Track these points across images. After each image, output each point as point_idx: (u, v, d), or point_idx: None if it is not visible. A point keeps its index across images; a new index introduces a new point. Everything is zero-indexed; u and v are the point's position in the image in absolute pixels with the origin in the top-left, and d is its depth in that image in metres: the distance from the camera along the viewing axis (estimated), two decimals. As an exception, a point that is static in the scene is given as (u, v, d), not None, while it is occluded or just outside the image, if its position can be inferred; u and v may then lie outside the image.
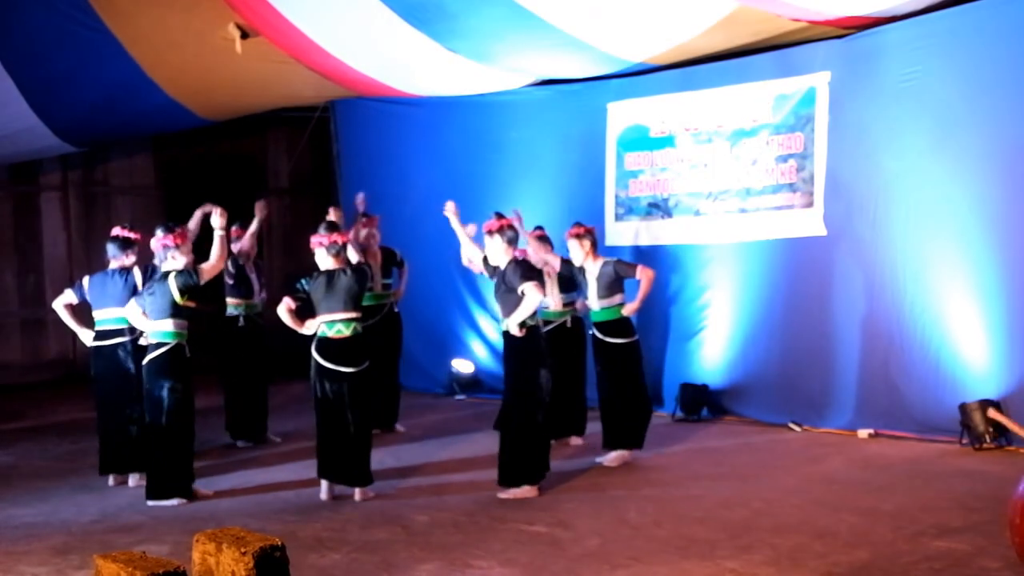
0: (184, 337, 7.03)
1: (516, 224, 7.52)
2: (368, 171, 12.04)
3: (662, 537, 5.86)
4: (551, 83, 10.61)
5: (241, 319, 8.89)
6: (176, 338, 6.99)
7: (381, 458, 7.68)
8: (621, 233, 10.15)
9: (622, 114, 10.17)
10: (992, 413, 7.65)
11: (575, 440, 8.49)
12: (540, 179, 10.72)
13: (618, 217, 10.21)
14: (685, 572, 5.25)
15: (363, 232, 8.90)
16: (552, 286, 8.23)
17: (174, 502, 6.97)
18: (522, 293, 6.83)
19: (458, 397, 11.03)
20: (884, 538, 5.68)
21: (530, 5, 8.20)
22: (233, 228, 8.95)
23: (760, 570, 5.21)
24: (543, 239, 8.16)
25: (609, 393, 7.82)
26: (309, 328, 6.93)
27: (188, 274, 7.00)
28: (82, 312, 7.81)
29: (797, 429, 8.85)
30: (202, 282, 7.03)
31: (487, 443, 8.75)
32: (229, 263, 8.72)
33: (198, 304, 7.50)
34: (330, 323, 6.90)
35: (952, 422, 7.89)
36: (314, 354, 6.93)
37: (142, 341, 7.31)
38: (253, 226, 8.86)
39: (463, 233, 7.59)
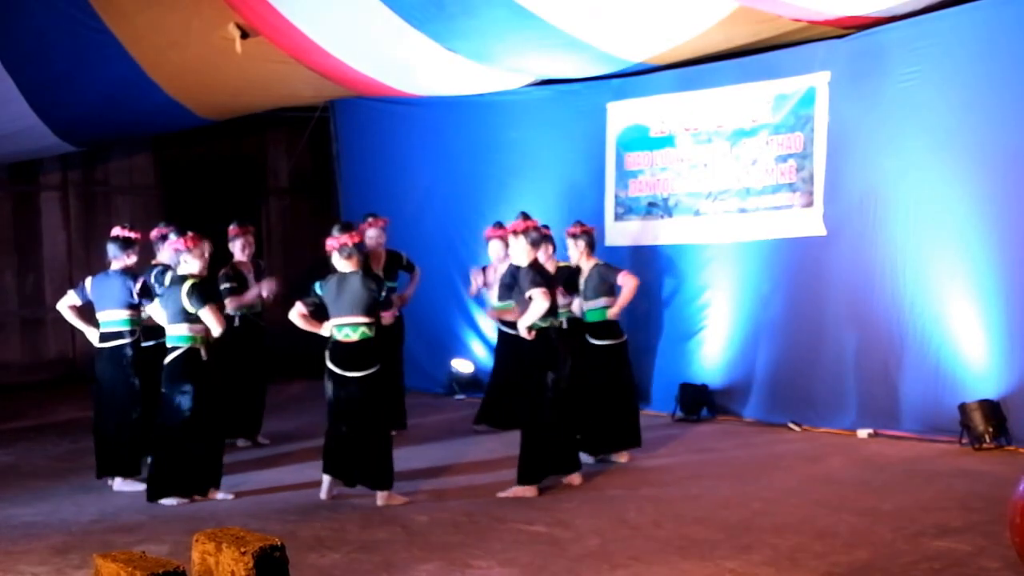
0: (199, 340, 7.00)
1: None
2: (368, 171, 12.05)
3: (662, 537, 5.86)
4: (551, 83, 10.61)
5: (237, 319, 8.87)
6: (190, 342, 6.97)
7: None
8: (621, 233, 10.16)
9: (622, 114, 10.17)
10: None
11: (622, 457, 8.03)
12: (540, 179, 10.73)
13: (618, 217, 10.21)
14: (685, 572, 5.25)
15: (371, 232, 8.88)
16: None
17: (169, 502, 6.95)
18: (529, 298, 6.98)
19: (458, 397, 11.04)
20: (884, 538, 5.68)
21: (530, 5, 8.20)
22: (231, 228, 8.95)
23: (760, 570, 5.21)
24: (547, 238, 8.09)
25: (593, 395, 7.78)
26: (326, 330, 6.93)
27: (199, 292, 6.94)
28: (88, 312, 7.78)
29: (797, 429, 8.85)
30: (204, 310, 6.92)
31: (487, 443, 8.77)
32: (228, 268, 8.73)
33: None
34: (339, 327, 6.88)
35: (952, 422, 7.89)
36: (326, 357, 6.93)
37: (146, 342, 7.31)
38: (251, 293, 8.79)
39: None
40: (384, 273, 9.01)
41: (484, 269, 9.48)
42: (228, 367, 9.06)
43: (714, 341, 9.63)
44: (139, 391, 7.53)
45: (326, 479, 6.99)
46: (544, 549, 5.71)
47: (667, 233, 9.89)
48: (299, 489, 7.29)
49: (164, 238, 8.09)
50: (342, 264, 6.98)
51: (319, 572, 5.42)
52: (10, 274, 12.96)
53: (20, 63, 9.69)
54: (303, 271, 13.91)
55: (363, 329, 6.86)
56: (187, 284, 6.95)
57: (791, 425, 8.91)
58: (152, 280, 7.70)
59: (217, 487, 7.13)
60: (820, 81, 8.83)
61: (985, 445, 7.68)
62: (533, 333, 7.03)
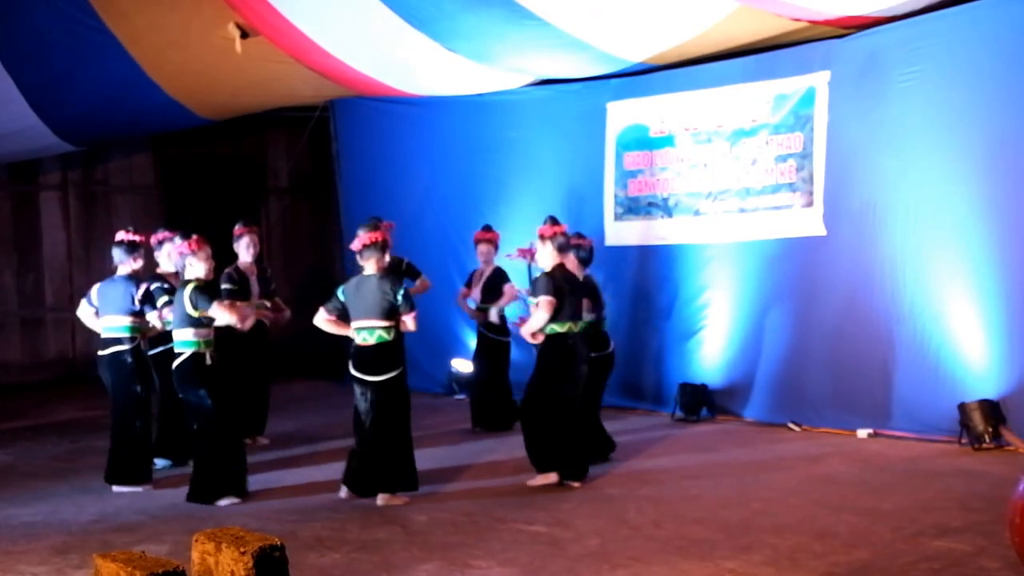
0: (203, 345, 6.96)
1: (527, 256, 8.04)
2: (367, 171, 12.04)
3: (661, 537, 5.86)
4: (551, 83, 10.61)
5: None
6: (194, 347, 6.96)
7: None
8: (620, 233, 10.15)
9: (622, 114, 10.17)
10: (1006, 434, 7.66)
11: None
12: (539, 179, 10.72)
13: (617, 217, 10.20)
14: (684, 572, 5.25)
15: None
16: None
17: (224, 502, 6.92)
18: (536, 305, 7.07)
19: (457, 397, 11.03)
20: (883, 538, 5.68)
21: (530, 5, 8.20)
22: (236, 227, 8.94)
23: (759, 570, 5.21)
24: (577, 246, 7.81)
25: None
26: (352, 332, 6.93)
27: (204, 292, 6.93)
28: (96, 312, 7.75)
29: (797, 429, 8.85)
30: (213, 307, 6.91)
31: (486, 443, 8.77)
32: (232, 269, 8.71)
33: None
34: (358, 330, 6.86)
35: (951, 422, 7.89)
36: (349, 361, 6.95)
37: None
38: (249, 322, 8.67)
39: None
40: None
41: (472, 274, 9.51)
42: (232, 368, 9.08)
43: (714, 341, 9.63)
44: (143, 398, 7.50)
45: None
46: (544, 549, 5.71)
47: (667, 233, 9.88)
48: (299, 489, 7.29)
49: (162, 243, 8.08)
50: (364, 265, 6.94)
51: (319, 572, 5.42)
52: (10, 274, 12.96)
53: (20, 63, 9.69)
54: (303, 271, 14.00)
55: (380, 333, 6.80)
56: (189, 287, 6.94)
57: (791, 425, 8.91)
58: (153, 289, 7.60)
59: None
60: (820, 81, 8.83)
61: (984, 445, 7.68)
62: (540, 336, 7.09)
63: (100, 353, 7.58)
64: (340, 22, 9.23)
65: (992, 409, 7.74)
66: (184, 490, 7.13)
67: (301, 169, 14.40)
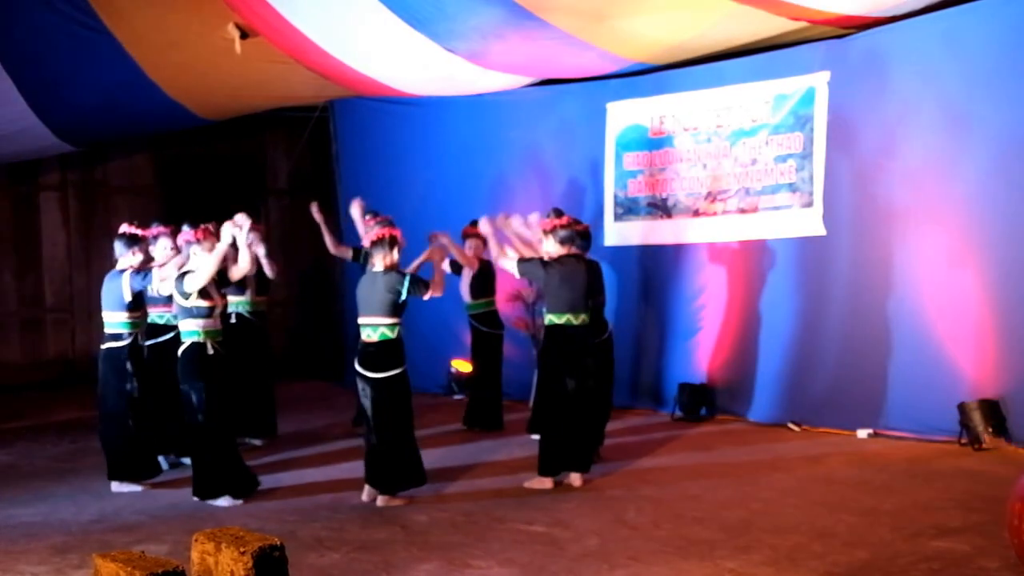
0: (203, 335, 6.93)
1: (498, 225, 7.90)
2: (367, 171, 12.04)
3: (661, 537, 5.86)
4: (551, 83, 10.61)
5: (233, 316, 8.86)
6: (194, 336, 6.93)
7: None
8: (620, 233, 10.16)
9: (621, 114, 10.17)
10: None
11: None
12: (539, 179, 10.73)
13: (617, 217, 10.21)
14: (684, 572, 5.25)
15: (362, 232, 8.86)
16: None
17: (222, 502, 6.90)
18: (511, 260, 7.31)
19: (457, 396, 11.03)
20: (883, 538, 5.68)
21: (530, 5, 8.20)
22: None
23: (759, 570, 5.21)
24: (581, 235, 7.79)
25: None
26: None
27: (180, 282, 6.93)
28: (95, 312, 7.72)
29: (796, 429, 8.85)
30: (193, 291, 6.88)
31: (486, 443, 8.76)
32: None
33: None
34: (363, 326, 6.88)
35: (951, 422, 7.89)
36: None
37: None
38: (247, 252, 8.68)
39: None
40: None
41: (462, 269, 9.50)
42: (233, 367, 9.07)
43: (714, 341, 9.63)
44: (134, 397, 7.46)
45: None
46: (543, 549, 5.71)
47: (667, 233, 9.88)
48: (299, 489, 7.30)
49: (156, 238, 8.08)
50: (374, 262, 6.92)
51: (318, 572, 5.42)
52: (9, 274, 12.96)
53: (20, 63, 9.68)
54: (302, 271, 13.99)
55: (383, 330, 6.79)
56: (184, 278, 6.94)
57: (791, 425, 8.91)
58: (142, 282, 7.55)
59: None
60: (820, 81, 8.83)
61: (984, 445, 7.68)
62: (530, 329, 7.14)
63: (102, 347, 7.59)
64: (340, 22, 9.23)
65: (992, 409, 7.74)
66: (184, 490, 7.13)
67: (301, 169, 14.39)
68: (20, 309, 13.04)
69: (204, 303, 6.93)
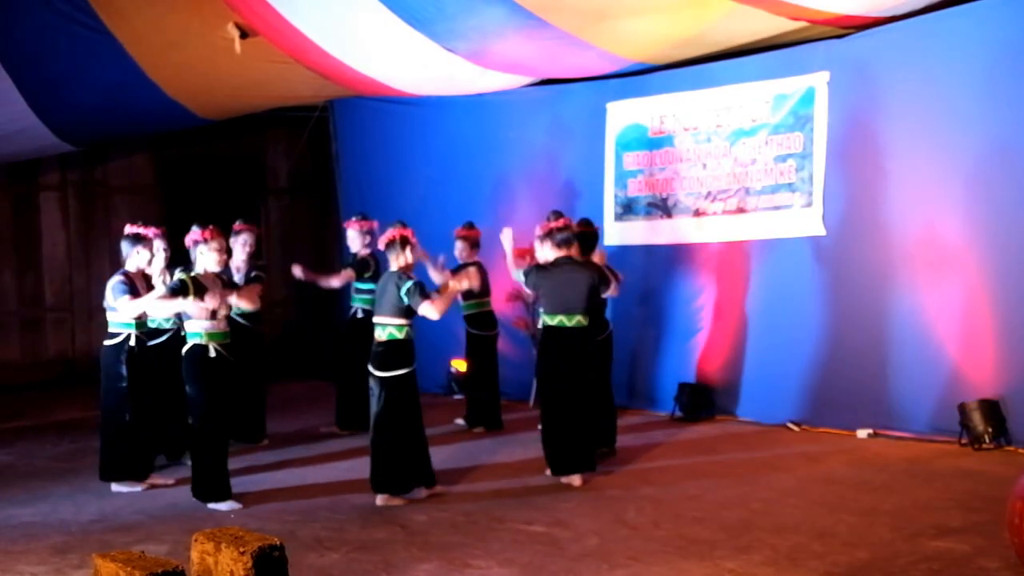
0: (206, 337, 6.87)
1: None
2: (367, 171, 12.04)
3: (661, 537, 5.86)
4: (551, 83, 10.61)
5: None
6: (196, 337, 6.90)
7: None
8: (620, 233, 10.16)
9: (621, 114, 10.17)
10: None
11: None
12: (539, 179, 10.73)
13: (617, 217, 10.21)
14: (684, 572, 5.25)
15: (350, 233, 8.91)
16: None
17: (222, 506, 6.83)
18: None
19: (456, 396, 11.02)
20: (883, 538, 5.69)
21: (530, 5, 8.19)
22: (236, 223, 8.94)
23: (759, 570, 5.21)
24: (584, 235, 7.96)
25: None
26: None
27: (178, 282, 6.88)
28: (95, 312, 7.71)
29: (796, 429, 8.85)
30: (193, 298, 6.80)
31: (485, 443, 8.77)
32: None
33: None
34: (376, 325, 6.92)
35: (951, 422, 7.89)
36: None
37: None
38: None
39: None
40: (358, 277, 9.07)
41: (453, 271, 9.48)
42: (231, 371, 9.06)
43: (714, 341, 9.63)
44: (129, 394, 7.41)
45: None
46: (543, 549, 5.71)
47: (666, 233, 9.88)
48: (298, 489, 7.29)
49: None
50: (391, 262, 6.97)
51: (318, 572, 5.42)
52: (9, 274, 12.95)
53: (20, 63, 9.68)
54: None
55: (391, 330, 6.82)
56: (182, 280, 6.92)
57: (791, 425, 8.91)
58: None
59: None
60: (820, 81, 8.83)
61: (984, 445, 7.68)
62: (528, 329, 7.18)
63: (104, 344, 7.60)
64: (340, 22, 9.22)
65: (992, 409, 7.74)
66: (184, 490, 7.13)
67: (301, 169, 14.40)
68: (20, 309, 13.03)
69: (202, 305, 6.89)
